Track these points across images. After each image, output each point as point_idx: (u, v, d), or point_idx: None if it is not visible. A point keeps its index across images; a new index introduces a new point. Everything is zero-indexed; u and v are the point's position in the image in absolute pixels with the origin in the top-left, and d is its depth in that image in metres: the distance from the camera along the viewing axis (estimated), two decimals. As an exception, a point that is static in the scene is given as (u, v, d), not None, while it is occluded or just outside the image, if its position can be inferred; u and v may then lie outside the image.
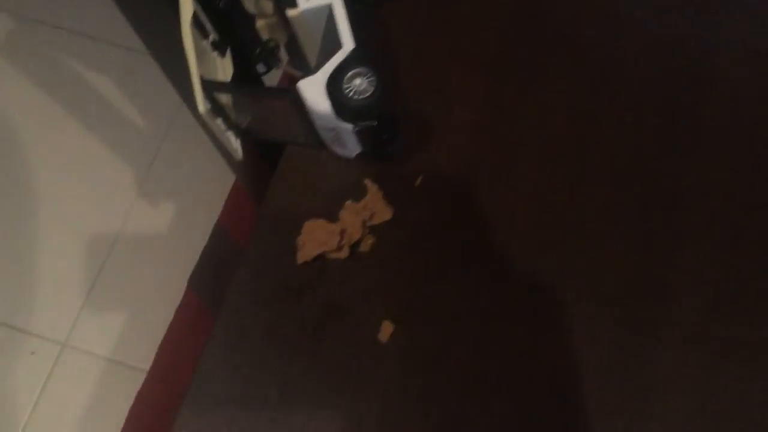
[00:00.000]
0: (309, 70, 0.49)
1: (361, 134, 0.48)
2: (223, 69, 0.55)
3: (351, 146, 0.51)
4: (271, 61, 0.53)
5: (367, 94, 0.47)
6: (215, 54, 0.54)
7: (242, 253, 0.52)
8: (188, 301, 1.22)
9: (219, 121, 0.52)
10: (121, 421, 1.09)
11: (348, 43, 0.47)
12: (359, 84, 0.47)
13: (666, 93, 0.56)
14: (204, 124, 0.52)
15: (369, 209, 0.53)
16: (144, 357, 1.15)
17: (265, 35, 0.55)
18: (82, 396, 1.16)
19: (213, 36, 0.53)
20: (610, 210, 0.53)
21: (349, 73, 0.47)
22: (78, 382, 1.17)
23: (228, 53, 0.55)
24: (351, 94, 0.47)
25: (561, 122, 0.55)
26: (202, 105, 0.48)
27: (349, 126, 0.48)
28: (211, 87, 0.49)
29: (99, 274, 1.25)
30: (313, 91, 0.47)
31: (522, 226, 0.52)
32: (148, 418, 1.14)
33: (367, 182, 0.53)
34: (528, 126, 0.56)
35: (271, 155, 0.57)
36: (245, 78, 0.55)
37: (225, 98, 0.52)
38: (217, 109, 0.51)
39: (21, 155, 1.33)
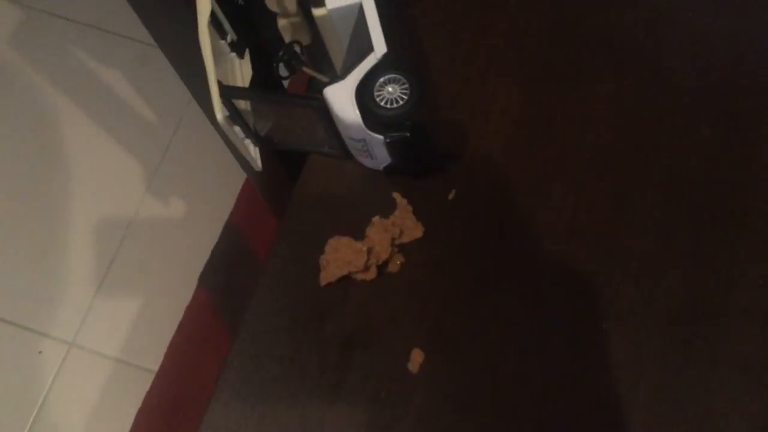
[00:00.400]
0: (335, 75, 0.45)
1: (392, 145, 0.44)
2: (241, 71, 0.51)
3: (380, 158, 0.47)
4: (295, 65, 0.49)
5: (401, 103, 0.43)
6: (233, 55, 0.50)
7: (260, 273, 0.48)
8: (199, 300, 1.19)
9: (237, 129, 0.48)
10: (128, 423, 1.07)
11: (380, 46, 0.43)
12: (392, 92, 0.43)
13: (720, 102, 0.51)
14: (220, 131, 0.48)
15: (398, 226, 0.49)
16: (153, 357, 1.13)
17: (287, 36, 0.51)
18: (90, 396, 1.14)
19: (231, 36, 0.50)
20: (659, 228, 0.48)
21: (381, 80, 0.43)
22: (85, 382, 1.15)
23: (246, 54, 0.51)
24: (383, 102, 0.43)
25: (605, 132, 0.51)
26: (220, 112, 0.44)
27: (379, 137, 0.43)
28: (230, 92, 0.45)
29: (107, 272, 1.23)
30: (341, 98, 0.43)
31: (564, 245, 0.48)
32: (157, 420, 1.12)
33: (396, 196, 0.49)
34: (570, 136, 0.51)
35: (292, 165, 0.53)
36: (265, 82, 0.51)
37: (243, 104, 0.48)
38: (235, 115, 0.47)
39: (27, 150, 1.30)
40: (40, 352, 1.18)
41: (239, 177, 1.18)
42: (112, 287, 1.23)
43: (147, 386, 1.12)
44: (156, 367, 1.13)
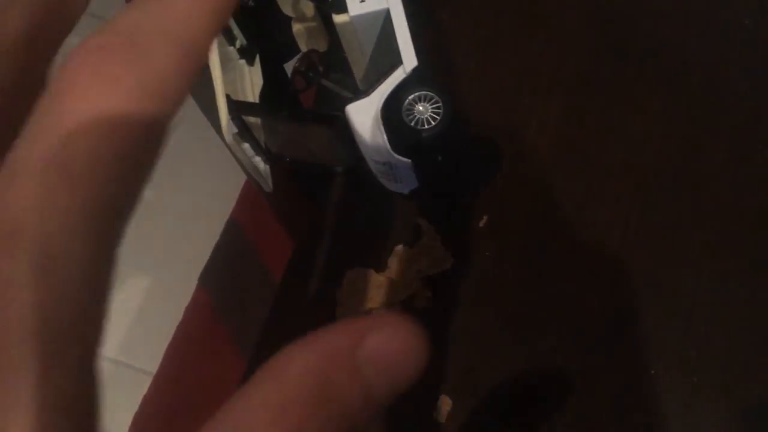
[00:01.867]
0: (356, 90, 0.40)
1: (420, 170, 0.39)
2: (251, 80, 0.46)
3: (406, 181, 0.42)
4: (312, 77, 0.44)
5: (433, 124, 0.38)
6: (242, 62, 0.45)
7: (271, 308, 0.44)
8: (199, 300, 1.15)
9: (246, 146, 0.43)
10: (125, 427, 1.04)
11: (409, 59, 0.38)
12: (423, 111, 0.38)
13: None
14: (229, 147, 0.43)
15: (424, 256, 0.44)
16: (151, 359, 1.09)
17: (302, 43, 0.46)
18: (86, 399, 1.11)
19: (240, 40, 0.45)
20: (713, 269, 0.43)
21: (410, 97, 0.38)
22: (81, 384, 1.12)
23: (257, 61, 0.46)
24: (413, 123, 0.38)
25: (653, 153, 0.46)
26: (228, 133, 0.39)
27: (407, 161, 0.38)
28: (240, 109, 0.40)
29: None
30: (366, 117, 0.38)
31: (609, 280, 0.43)
32: (155, 423, 1.08)
33: (422, 223, 0.44)
34: (614, 156, 0.46)
35: (307, 183, 0.48)
36: (278, 91, 0.46)
37: (253, 118, 0.43)
38: (244, 132, 0.42)
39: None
40: None
41: (241, 174, 1.14)
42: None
43: (145, 388, 1.09)
44: (154, 369, 1.10)
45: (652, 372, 0.41)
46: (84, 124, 0.14)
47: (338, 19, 0.39)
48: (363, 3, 0.39)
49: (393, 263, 0.43)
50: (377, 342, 0.16)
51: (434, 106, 0.38)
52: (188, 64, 0.15)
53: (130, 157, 0.15)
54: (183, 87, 0.15)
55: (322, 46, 0.46)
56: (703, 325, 0.42)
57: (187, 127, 1.26)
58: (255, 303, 0.45)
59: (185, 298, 1.11)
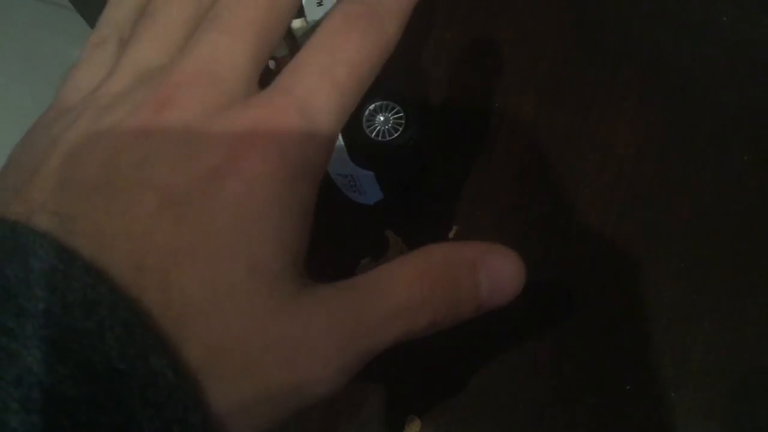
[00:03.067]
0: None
1: (384, 182, 0.37)
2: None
3: (370, 193, 0.40)
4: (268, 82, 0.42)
5: (395, 135, 0.36)
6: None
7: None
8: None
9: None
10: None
11: (369, 66, 0.36)
12: (384, 121, 0.36)
13: (762, 123, 0.44)
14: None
15: None
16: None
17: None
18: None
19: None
20: (691, 272, 0.42)
21: (371, 107, 0.36)
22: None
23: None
24: (373, 134, 0.36)
25: (629, 156, 0.44)
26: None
27: (369, 173, 0.36)
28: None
29: None
30: (324, 129, 0.36)
31: (582, 294, 0.42)
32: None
33: (389, 235, 0.43)
34: (587, 161, 0.44)
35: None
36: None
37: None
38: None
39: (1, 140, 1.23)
40: None
41: None
42: None
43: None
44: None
45: (628, 387, 0.40)
46: (346, 56, 0.23)
47: (295, 24, 0.37)
48: (320, 6, 0.37)
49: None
50: (495, 261, 0.24)
51: (396, 116, 0.36)
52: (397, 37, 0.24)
53: (372, 75, 0.24)
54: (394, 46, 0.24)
55: (281, 51, 0.44)
56: (681, 338, 0.40)
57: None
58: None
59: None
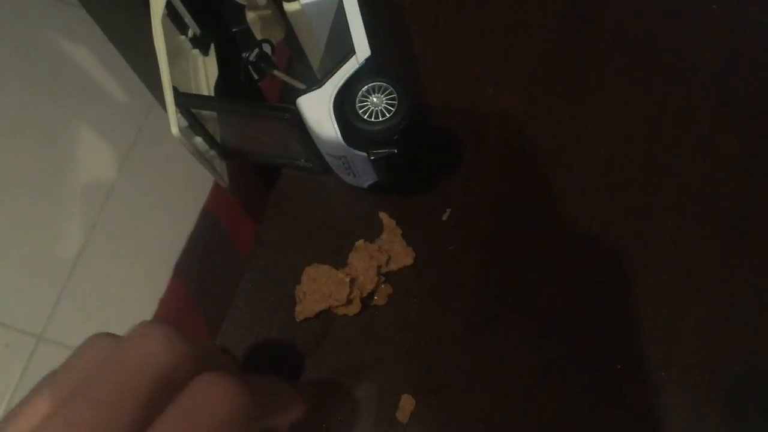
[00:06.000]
0: (311, 81, 0.38)
1: (377, 163, 0.38)
2: (205, 71, 0.44)
3: (364, 175, 0.41)
4: (266, 67, 0.43)
5: (388, 116, 0.36)
6: (195, 52, 0.44)
7: (227, 307, 0.42)
8: (173, 291, 1.13)
9: (199, 140, 0.42)
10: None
11: (363, 48, 0.37)
12: (377, 103, 0.36)
13: (751, 108, 0.45)
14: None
15: (385, 251, 0.42)
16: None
17: (257, 31, 0.44)
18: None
19: (193, 29, 0.43)
20: (682, 254, 0.42)
21: (364, 88, 0.37)
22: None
23: (212, 51, 0.44)
24: (366, 115, 0.36)
25: (621, 141, 0.45)
26: (175, 125, 0.38)
27: (363, 154, 0.37)
28: (187, 101, 0.38)
29: (77, 262, 1.17)
30: (317, 110, 0.37)
31: (571, 274, 0.42)
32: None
33: (383, 217, 0.43)
34: (579, 148, 0.45)
35: (266, 178, 0.47)
36: (235, 82, 0.44)
37: (206, 111, 0.41)
38: (195, 126, 0.40)
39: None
40: (6, 345, 1.14)
41: None
42: (82, 277, 1.17)
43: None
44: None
45: (618, 367, 0.40)
46: None
47: (289, 7, 0.38)
48: (312, -10, 0.37)
49: (354, 259, 0.42)
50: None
51: (389, 97, 0.36)
52: None
53: None
54: None
55: (277, 35, 0.44)
56: (671, 318, 0.41)
57: (162, 118, 1.24)
58: (230, 292, 0.44)
59: (160, 288, 1.10)
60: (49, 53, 1.31)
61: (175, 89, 0.38)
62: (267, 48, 0.43)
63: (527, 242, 0.43)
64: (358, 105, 0.36)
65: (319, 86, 0.37)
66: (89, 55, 1.30)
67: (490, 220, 0.44)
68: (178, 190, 1.20)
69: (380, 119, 0.36)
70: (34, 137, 1.25)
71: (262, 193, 0.49)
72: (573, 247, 0.43)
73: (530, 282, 0.42)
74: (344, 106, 0.37)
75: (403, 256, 0.43)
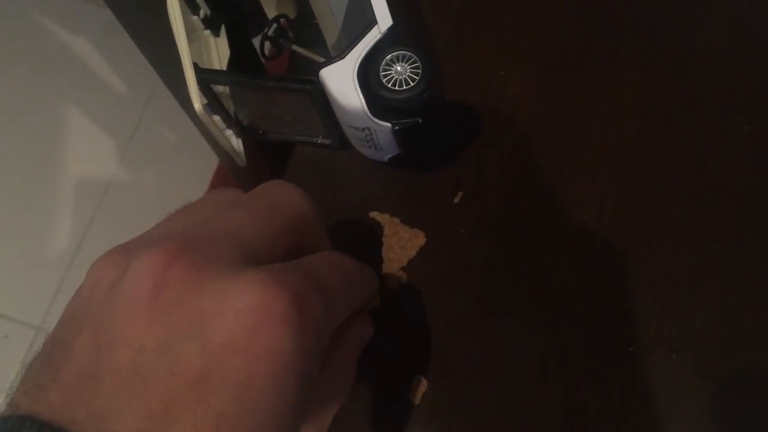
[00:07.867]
0: (329, 54, 0.38)
1: (401, 134, 0.37)
2: (217, 51, 0.44)
3: (385, 148, 0.40)
4: (283, 43, 0.42)
5: (412, 85, 0.36)
6: (207, 32, 0.43)
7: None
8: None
9: (217, 119, 0.41)
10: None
11: (384, 18, 0.36)
12: (401, 72, 0.36)
13: (763, 94, 0.45)
14: (197, 121, 0.41)
15: (393, 248, 0.42)
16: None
17: (270, 9, 0.44)
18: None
19: (204, 10, 0.42)
20: (693, 238, 0.42)
21: (388, 57, 0.36)
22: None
23: (222, 31, 0.44)
24: (390, 84, 0.36)
25: (632, 125, 0.45)
26: (197, 101, 0.37)
27: (387, 125, 0.37)
28: (209, 77, 0.38)
29: (76, 253, 1.16)
30: (341, 81, 0.36)
31: (585, 258, 0.42)
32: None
33: (375, 215, 0.43)
34: (590, 131, 0.45)
35: (275, 156, 0.46)
36: (245, 62, 0.44)
37: (222, 89, 0.41)
38: (214, 103, 0.40)
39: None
40: (5, 336, 1.13)
41: (214, 156, 1.14)
42: (81, 268, 1.15)
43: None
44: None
45: (631, 349, 0.40)
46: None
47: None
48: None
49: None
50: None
51: (413, 66, 0.36)
52: None
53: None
54: None
55: (291, 11, 0.44)
56: (682, 302, 0.41)
57: (161, 110, 1.22)
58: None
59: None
60: (47, 43, 1.29)
61: (195, 65, 0.37)
62: (284, 23, 0.43)
63: (539, 226, 0.43)
64: (382, 74, 0.36)
65: (341, 57, 0.37)
66: (88, 45, 1.28)
67: (501, 203, 0.43)
68: (177, 182, 1.19)
69: (404, 87, 0.36)
70: (32, 129, 1.23)
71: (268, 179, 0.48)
72: (584, 231, 0.43)
73: (542, 266, 0.42)
74: (368, 76, 0.36)
75: (413, 239, 0.42)
